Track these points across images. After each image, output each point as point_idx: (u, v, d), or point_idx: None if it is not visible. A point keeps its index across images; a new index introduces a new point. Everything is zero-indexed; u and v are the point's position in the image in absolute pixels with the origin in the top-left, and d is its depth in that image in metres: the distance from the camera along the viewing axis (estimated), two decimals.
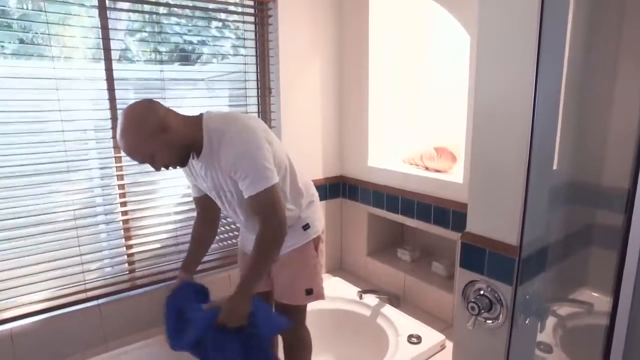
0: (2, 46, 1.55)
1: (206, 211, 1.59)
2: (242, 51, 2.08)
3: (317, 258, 1.57)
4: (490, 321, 1.38)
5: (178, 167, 1.40)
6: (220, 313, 1.33)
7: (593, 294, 1.55)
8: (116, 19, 1.68)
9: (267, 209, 1.34)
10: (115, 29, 1.69)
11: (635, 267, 0.89)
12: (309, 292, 1.54)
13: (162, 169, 1.37)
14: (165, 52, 1.85)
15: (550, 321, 1.55)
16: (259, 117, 2.14)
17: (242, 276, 1.40)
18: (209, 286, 1.56)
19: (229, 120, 1.38)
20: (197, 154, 1.39)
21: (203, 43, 2.04)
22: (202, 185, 1.50)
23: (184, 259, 1.62)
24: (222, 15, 2.00)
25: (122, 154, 1.74)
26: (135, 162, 1.41)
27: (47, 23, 1.53)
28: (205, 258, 1.91)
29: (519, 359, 1.37)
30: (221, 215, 1.64)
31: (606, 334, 0.96)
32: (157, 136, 1.29)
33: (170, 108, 1.37)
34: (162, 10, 1.84)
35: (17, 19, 1.57)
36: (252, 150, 1.33)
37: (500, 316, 1.33)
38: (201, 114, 1.41)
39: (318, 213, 1.61)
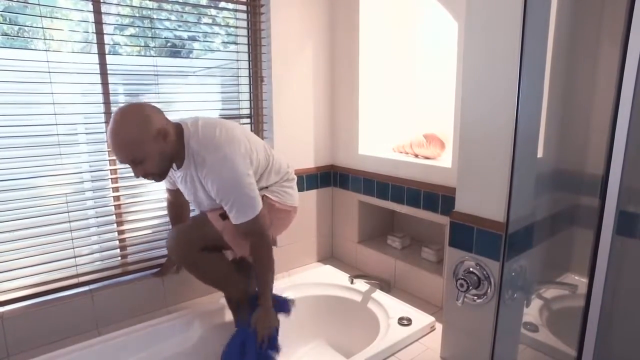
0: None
1: (179, 197, 1.70)
2: (235, 39, 2.09)
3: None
4: (478, 298, 1.42)
5: (155, 180, 1.39)
6: (252, 329, 1.51)
7: (575, 277, 1.60)
8: (109, 6, 1.69)
9: (255, 235, 1.46)
10: (108, 13, 1.69)
11: (607, 250, 0.95)
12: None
13: (141, 177, 1.34)
14: (158, 39, 1.85)
15: (537, 303, 1.59)
16: (250, 105, 2.15)
17: (259, 296, 1.55)
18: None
19: (209, 147, 1.35)
20: (177, 165, 1.42)
21: (195, 32, 2.05)
22: (181, 187, 1.56)
23: None
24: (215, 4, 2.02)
25: None
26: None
27: (41, 16, 1.54)
28: None
29: (506, 335, 1.41)
30: None
31: (583, 313, 1.02)
32: (157, 141, 1.27)
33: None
34: None
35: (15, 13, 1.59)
36: (234, 181, 1.35)
37: (488, 292, 1.37)
38: (180, 126, 1.38)
39: (288, 189, 1.69)
